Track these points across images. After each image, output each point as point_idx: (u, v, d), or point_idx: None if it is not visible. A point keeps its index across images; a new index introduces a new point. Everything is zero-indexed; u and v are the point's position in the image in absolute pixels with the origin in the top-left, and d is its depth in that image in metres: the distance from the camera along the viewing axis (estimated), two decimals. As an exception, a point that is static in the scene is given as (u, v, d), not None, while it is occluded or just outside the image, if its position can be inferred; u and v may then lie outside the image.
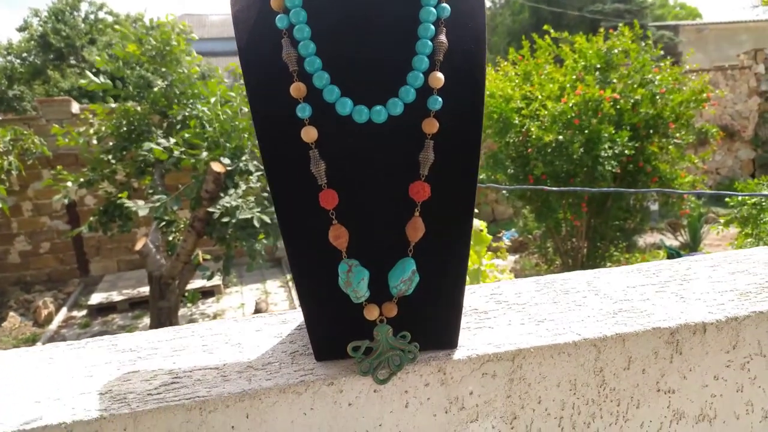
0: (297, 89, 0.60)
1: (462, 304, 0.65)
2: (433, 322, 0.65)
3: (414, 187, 0.61)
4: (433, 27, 0.61)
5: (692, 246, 7.05)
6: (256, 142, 0.59)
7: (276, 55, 0.61)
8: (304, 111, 0.60)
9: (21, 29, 16.64)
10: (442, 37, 0.61)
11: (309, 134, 0.60)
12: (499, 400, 0.67)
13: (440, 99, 0.61)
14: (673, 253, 5.89)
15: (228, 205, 4.31)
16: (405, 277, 0.61)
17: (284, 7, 0.62)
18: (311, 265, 0.62)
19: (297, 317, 0.79)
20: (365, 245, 0.62)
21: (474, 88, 0.63)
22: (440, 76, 0.61)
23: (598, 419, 0.70)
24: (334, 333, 0.64)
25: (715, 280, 0.83)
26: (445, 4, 0.62)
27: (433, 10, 0.62)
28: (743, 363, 0.72)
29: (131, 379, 0.63)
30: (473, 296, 0.83)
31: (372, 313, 0.62)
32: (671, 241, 7.27)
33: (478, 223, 2.63)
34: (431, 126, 0.61)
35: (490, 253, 2.78)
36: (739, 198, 5.24)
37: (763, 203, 5.07)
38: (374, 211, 0.62)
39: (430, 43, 0.61)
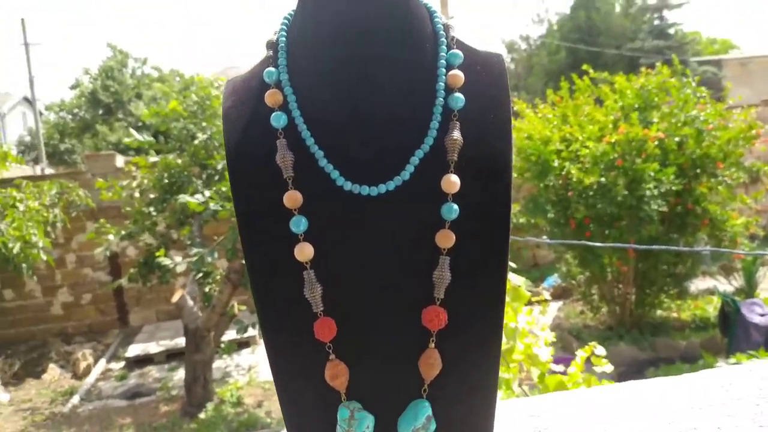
0: (291, 199, 0.51)
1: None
2: (453, 476, 0.54)
3: (427, 312, 0.50)
4: (437, 123, 0.52)
5: (748, 292, 6.63)
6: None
7: (269, 159, 0.52)
8: (298, 225, 0.51)
9: (73, 87, 17.51)
10: (456, 134, 0.51)
11: (304, 252, 0.51)
12: None
13: (456, 207, 0.50)
14: (727, 301, 5.52)
15: (263, 257, 4.27)
16: (417, 425, 0.50)
17: (282, 102, 0.54)
18: (306, 408, 0.52)
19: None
20: (369, 384, 0.51)
21: (497, 191, 0.52)
22: (455, 179, 0.51)
23: None
24: (334, 490, 0.53)
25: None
26: (458, 94, 0.53)
27: (441, 100, 0.52)
28: None
29: None
30: (506, 417, 0.71)
31: (379, 467, 0.51)
32: (725, 286, 6.85)
33: (517, 280, 2.47)
34: (446, 239, 0.50)
35: (529, 308, 2.62)
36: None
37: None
38: (380, 342, 0.51)
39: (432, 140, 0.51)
